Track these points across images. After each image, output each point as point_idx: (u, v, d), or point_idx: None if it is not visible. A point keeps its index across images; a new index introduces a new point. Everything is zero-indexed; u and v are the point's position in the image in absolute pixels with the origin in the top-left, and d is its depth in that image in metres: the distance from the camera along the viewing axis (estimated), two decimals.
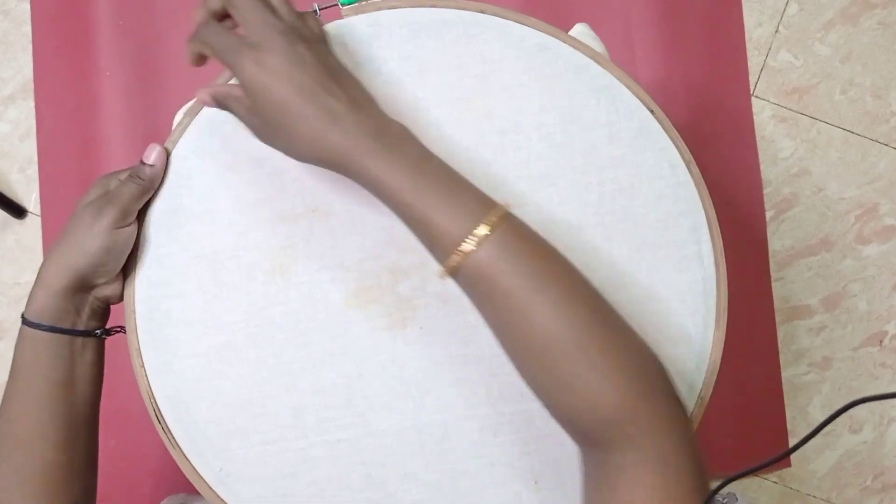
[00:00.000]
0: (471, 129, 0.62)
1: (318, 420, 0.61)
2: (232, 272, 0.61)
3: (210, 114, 0.61)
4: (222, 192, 0.61)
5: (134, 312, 0.61)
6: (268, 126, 0.53)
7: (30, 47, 1.20)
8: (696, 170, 0.62)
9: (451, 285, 0.61)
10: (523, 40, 0.62)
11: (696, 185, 0.62)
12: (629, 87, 0.62)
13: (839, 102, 1.16)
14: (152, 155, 0.60)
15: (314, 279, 0.61)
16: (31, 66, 1.19)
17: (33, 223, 1.20)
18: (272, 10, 0.53)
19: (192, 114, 0.62)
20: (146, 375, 0.61)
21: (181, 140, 0.61)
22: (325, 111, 0.51)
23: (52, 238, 1.18)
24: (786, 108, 1.15)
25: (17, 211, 1.18)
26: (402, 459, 0.61)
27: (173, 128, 0.64)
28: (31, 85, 1.19)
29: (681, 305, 0.62)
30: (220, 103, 0.55)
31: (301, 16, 0.55)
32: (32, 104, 1.19)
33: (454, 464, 0.61)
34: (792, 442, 1.15)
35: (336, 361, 0.61)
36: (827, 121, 1.15)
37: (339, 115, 0.52)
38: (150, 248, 0.61)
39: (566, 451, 0.61)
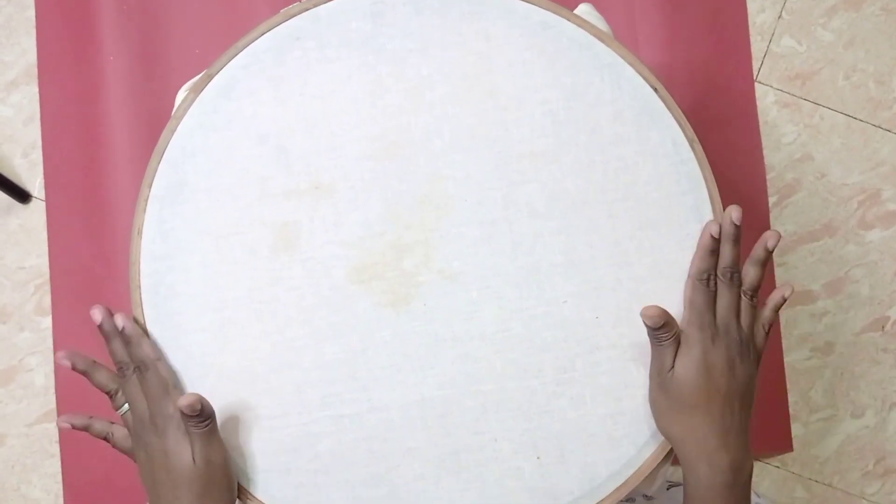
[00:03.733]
0: (474, 107, 0.62)
1: (321, 395, 0.61)
2: (235, 248, 0.61)
3: (214, 89, 0.61)
4: (226, 168, 0.61)
5: (139, 287, 0.61)
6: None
7: (33, 31, 1.20)
8: (699, 148, 0.62)
9: (454, 262, 0.62)
10: (527, 18, 0.62)
11: (700, 163, 0.62)
12: (633, 65, 0.62)
13: (842, 88, 1.16)
14: (196, 407, 0.56)
15: (317, 255, 0.61)
16: (34, 50, 1.20)
17: (38, 207, 1.20)
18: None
19: (197, 90, 0.62)
20: None
21: (185, 116, 0.62)
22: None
23: (56, 223, 1.18)
24: (789, 93, 1.15)
25: (22, 195, 1.18)
26: (404, 435, 0.62)
27: (176, 104, 0.64)
28: (35, 69, 1.19)
29: (684, 283, 0.62)
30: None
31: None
32: (36, 88, 1.19)
33: (456, 439, 0.62)
34: (794, 428, 1.15)
35: (339, 337, 0.61)
36: (830, 106, 1.15)
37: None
38: (154, 224, 0.61)
39: (568, 426, 0.62)
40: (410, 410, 0.62)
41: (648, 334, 0.60)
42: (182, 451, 0.58)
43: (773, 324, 0.62)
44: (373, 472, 0.61)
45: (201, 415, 0.57)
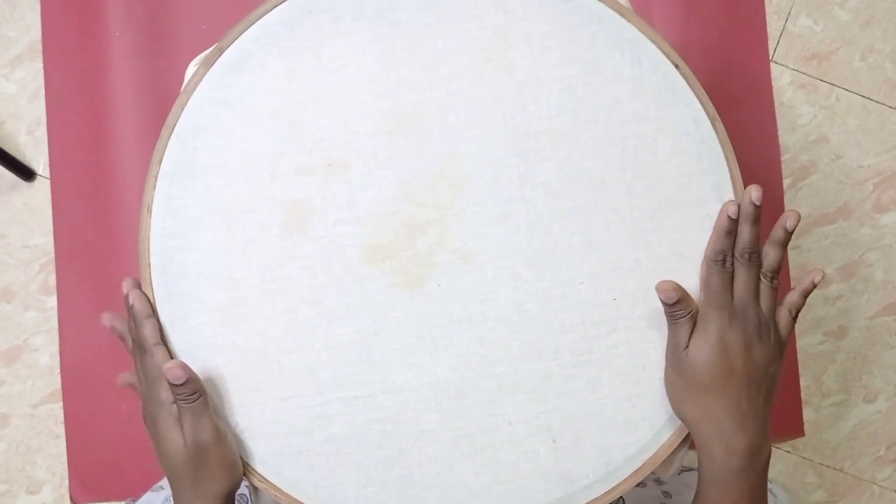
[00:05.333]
0: (490, 82, 0.60)
1: (333, 376, 0.60)
2: (247, 226, 0.60)
3: (226, 63, 0.60)
4: (238, 145, 0.60)
5: (149, 266, 0.60)
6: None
7: (38, 7, 1.18)
8: (720, 126, 0.61)
9: (469, 242, 0.60)
10: None
11: (721, 142, 0.61)
12: (654, 41, 0.61)
13: (859, 69, 1.14)
14: (178, 374, 0.56)
15: (330, 234, 0.60)
16: (39, 26, 1.18)
17: (42, 185, 1.19)
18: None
19: (207, 64, 0.60)
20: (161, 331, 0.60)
21: (196, 91, 0.60)
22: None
23: (61, 201, 1.17)
24: (805, 73, 1.13)
25: (26, 173, 1.17)
26: (417, 416, 0.61)
27: (187, 79, 0.63)
28: (40, 45, 1.17)
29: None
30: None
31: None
32: (41, 64, 1.17)
33: (470, 421, 0.61)
34: (806, 412, 1.14)
35: (352, 318, 0.60)
36: (846, 87, 1.13)
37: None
38: (163, 201, 0.60)
39: (585, 409, 0.61)
40: (424, 392, 0.61)
41: (665, 311, 0.59)
42: (173, 437, 0.57)
43: (801, 309, 0.61)
44: (386, 455, 0.61)
45: (187, 385, 0.56)
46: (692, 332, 0.58)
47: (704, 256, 0.60)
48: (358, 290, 0.60)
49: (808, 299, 1.11)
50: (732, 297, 0.58)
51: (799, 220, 0.60)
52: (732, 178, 0.61)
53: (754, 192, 0.58)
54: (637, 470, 0.61)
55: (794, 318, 0.61)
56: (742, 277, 0.58)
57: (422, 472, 0.61)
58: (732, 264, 0.59)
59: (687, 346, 0.58)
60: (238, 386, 0.60)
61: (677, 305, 0.58)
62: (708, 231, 0.60)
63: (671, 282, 0.58)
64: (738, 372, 0.57)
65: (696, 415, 0.58)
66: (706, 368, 0.57)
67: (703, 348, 0.57)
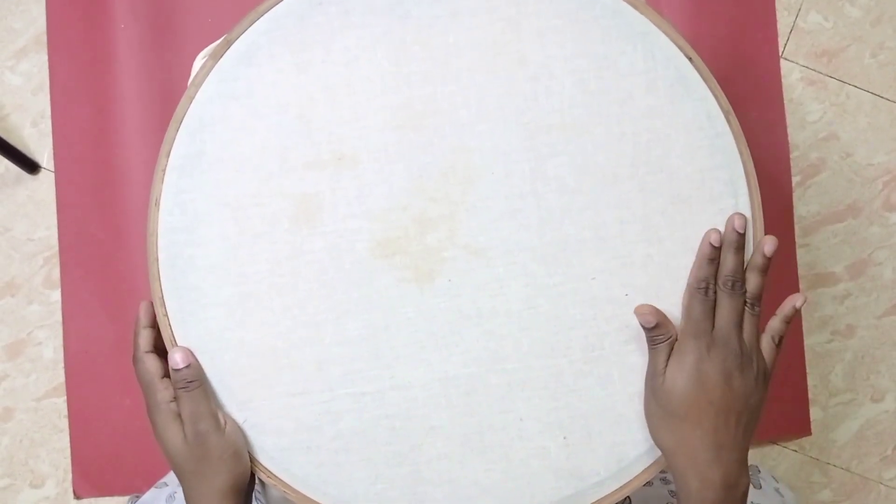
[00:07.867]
0: (502, 75, 0.60)
1: (342, 372, 0.60)
2: (256, 220, 0.59)
3: (234, 55, 0.59)
4: (246, 138, 0.59)
5: (157, 260, 0.60)
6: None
7: None
8: (734, 121, 0.60)
9: (480, 237, 0.60)
10: None
11: (735, 137, 0.60)
12: (667, 34, 0.60)
13: (869, 66, 1.13)
14: (178, 358, 0.58)
15: (339, 229, 0.60)
16: (44, 17, 1.17)
17: (47, 178, 1.18)
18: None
19: (216, 57, 0.60)
20: (169, 325, 0.60)
21: (204, 83, 0.60)
22: None
23: (65, 194, 1.16)
24: (815, 70, 1.13)
25: (30, 166, 1.16)
26: (427, 413, 0.60)
27: (195, 71, 0.62)
28: (45, 37, 1.17)
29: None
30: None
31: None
32: (45, 57, 1.17)
33: (481, 418, 0.60)
34: (813, 412, 1.14)
35: (361, 313, 0.60)
36: (856, 84, 1.13)
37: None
38: (172, 194, 0.59)
39: (596, 406, 0.60)
40: (434, 388, 0.60)
41: (646, 336, 0.59)
42: (172, 432, 0.58)
43: (784, 336, 0.60)
44: (395, 451, 0.60)
45: (186, 371, 0.57)
46: (668, 360, 0.57)
47: (687, 284, 0.59)
48: (367, 285, 0.60)
49: (817, 297, 1.11)
50: (713, 326, 0.57)
51: (776, 246, 0.58)
52: (746, 173, 0.60)
53: (737, 221, 0.58)
54: (648, 467, 0.61)
55: (779, 346, 0.60)
56: (724, 306, 0.57)
57: (431, 468, 0.60)
58: (715, 292, 0.58)
59: (664, 374, 0.57)
60: (246, 381, 0.60)
61: (656, 330, 0.57)
62: (721, 227, 0.60)
63: (649, 306, 0.58)
64: (716, 403, 0.56)
65: (671, 444, 0.57)
66: (682, 399, 0.56)
67: (678, 378, 0.56)
